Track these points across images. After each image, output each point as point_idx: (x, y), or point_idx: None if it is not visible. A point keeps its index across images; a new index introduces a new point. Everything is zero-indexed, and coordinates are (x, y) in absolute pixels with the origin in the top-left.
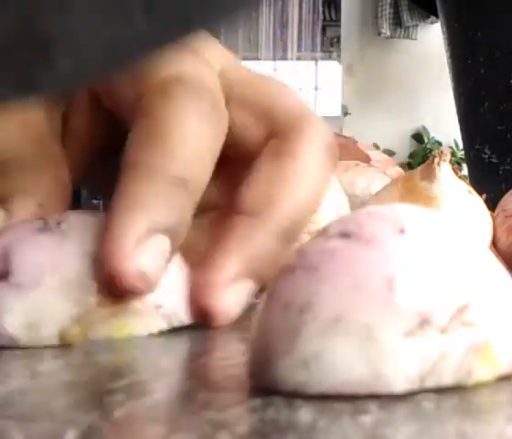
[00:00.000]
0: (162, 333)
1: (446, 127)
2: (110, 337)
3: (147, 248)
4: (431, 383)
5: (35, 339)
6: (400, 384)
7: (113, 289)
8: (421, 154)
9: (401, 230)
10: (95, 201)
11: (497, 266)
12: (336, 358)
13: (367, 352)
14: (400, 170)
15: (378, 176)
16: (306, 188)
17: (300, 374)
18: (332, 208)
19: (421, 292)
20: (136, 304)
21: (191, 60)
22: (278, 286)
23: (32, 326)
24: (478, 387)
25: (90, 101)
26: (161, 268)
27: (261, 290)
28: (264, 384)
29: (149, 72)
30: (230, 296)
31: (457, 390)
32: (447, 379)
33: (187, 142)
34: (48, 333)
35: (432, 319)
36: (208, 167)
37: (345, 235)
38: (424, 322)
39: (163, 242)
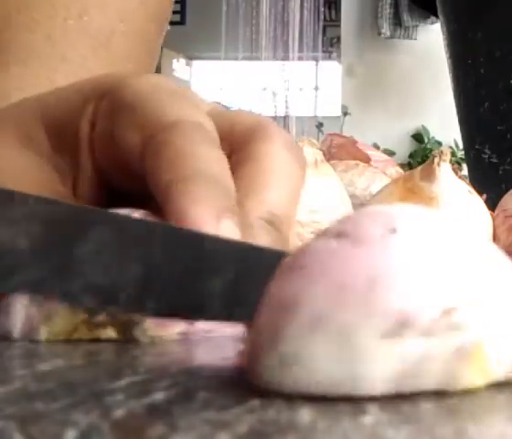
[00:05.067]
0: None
1: (446, 127)
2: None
3: None
4: (410, 387)
5: None
6: (376, 386)
7: None
8: (421, 154)
9: (393, 230)
10: None
11: (497, 266)
12: (314, 358)
13: (344, 353)
14: (400, 170)
15: (378, 176)
16: (278, 180)
17: (279, 373)
18: (335, 208)
19: (404, 293)
20: None
21: (187, 106)
22: (271, 286)
23: None
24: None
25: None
26: None
27: None
28: (255, 383)
29: (150, 118)
30: None
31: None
32: (429, 383)
33: (209, 161)
34: None
35: (414, 321)
36: (224, 172)
37: (339, 235)
38: (404, 323)
39: None
